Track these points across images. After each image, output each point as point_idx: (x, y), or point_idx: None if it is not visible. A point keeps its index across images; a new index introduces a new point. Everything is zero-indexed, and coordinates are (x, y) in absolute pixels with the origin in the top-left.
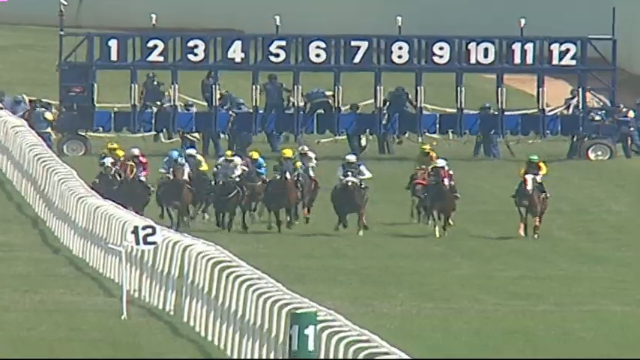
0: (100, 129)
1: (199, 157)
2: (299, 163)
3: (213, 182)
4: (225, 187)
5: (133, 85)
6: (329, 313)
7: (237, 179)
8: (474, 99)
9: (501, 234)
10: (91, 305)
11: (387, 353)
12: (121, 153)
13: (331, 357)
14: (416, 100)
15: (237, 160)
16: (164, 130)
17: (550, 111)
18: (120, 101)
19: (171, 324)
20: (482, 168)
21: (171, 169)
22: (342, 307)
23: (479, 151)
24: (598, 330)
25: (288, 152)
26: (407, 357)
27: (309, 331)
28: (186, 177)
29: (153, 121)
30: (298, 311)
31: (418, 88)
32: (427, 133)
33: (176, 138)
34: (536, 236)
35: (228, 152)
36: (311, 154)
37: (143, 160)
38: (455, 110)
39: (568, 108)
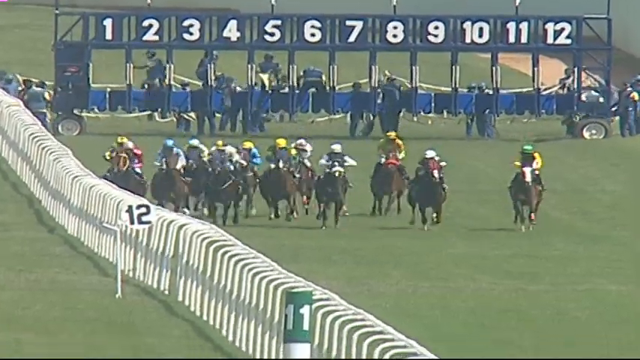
0: (95, 108)
1: (202, 147)
2: (294, 151)
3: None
4: (219, 178)
5: (128, 65)
6: (324, 292)
7: (232, 169)
8: (469, 78)
9: (496, 213)
10: (85, 284)
11: (382, 332)
12: (130, 145)
13: (326, 336)
14: (411, 80)
15: (229, 149)
16: (158, 109)
17: (545, 90)
18: (115, 81)
19: (166, 303)
20: (477, 148)
21: (164, 159)
22: (338, 286)
23: (471, 131)
24: (593, 309)
25: (281, 142)
26: (402, 336)
27: (305, 310)
28: (179, 167)
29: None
30: (293, 291)
31: (413, 67)
32: (422, 113)
33: (171, 118)
34: (531, 228)
35: (220, 142)
36: (308, 148)
37: (138, 152)
38: (450, 89)
39: (563, 88)
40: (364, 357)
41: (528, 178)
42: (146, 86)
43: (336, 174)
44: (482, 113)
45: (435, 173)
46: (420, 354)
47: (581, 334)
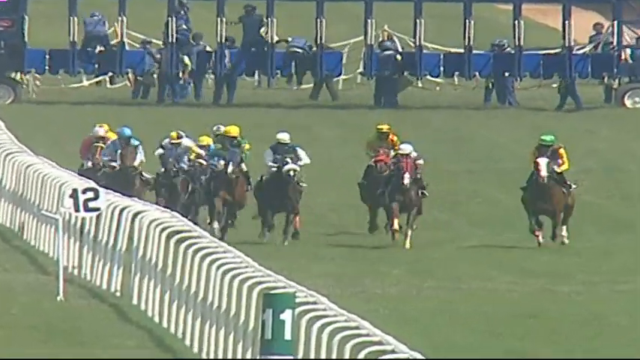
0: (33, 71)
1: (189, 142)
2: (248, 146)
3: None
4: (170, 176)
5: (71, 18)
6: (310, 294)
7: (186, 167)
8: (486, 35)
9: (518, 198)
10: (20, 284)
11: (380, 342)
12: (112, 136)
13: (312, 346)
14: (415, 37)
15: (186, 142)
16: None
17: (578, 49)
18: (56, 39)
19: (118, 307)
20: (496, 118)
21: (119, 153)
22: (326, 286)
23: (490, 98)
24: (635, 313)
25: (232, 130)
26: (404, 346)
27: (286, 315)
28: (137, 162)
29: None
30: (272, 292)
31: (418, 21)
32: (429, 76)
33: (124, 82)
34: (562, 241)
35: (174, 134)
36: (301, 152)
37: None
38: (462, 49)
39: (597, 47)
40: None
41: (543, 171)
42: (94, 45)
43: (290, 173)
44: (502, 77)
45: (406, 177)
46: None
47: (621, 344)
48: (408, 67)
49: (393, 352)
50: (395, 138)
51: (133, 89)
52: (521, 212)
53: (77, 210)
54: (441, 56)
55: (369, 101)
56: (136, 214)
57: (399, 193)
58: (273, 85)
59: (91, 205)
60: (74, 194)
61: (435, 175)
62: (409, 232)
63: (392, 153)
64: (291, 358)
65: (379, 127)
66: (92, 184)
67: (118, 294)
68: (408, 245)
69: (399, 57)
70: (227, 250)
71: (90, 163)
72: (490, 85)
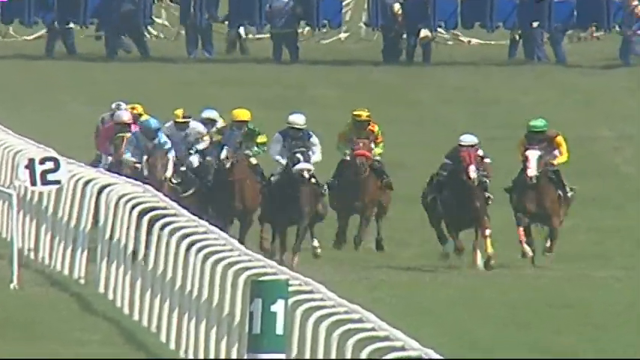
0: None
1: (219, 121)
2: (263, 138)
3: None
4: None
5: None
6: (305, 281)
7: (194, 165)
8: None
9: None
10: None
11: (387, 338)
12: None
13: (308, 342)
14: None
15: (195, 124)
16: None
17: None
18: None
19: (81, 297)
20: (522, 76)
21: (145, 159)
22: (324, 273)
23: (516, 53)
24: None
25: (241, 114)
26: (415, 342)
27: (278, 307)
28: (169, 171)
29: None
30: (262, 279)
31: None
32: (443, 28)
33: (86, 34)
34: (548, 258)
35: (179, 111)
36: (315, 144)
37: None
38: None
39: None
40: None
41: (533, 168)
42: None
43: (304, 173)
44: (530, 28)
45: (472, 170)
46: None
47: None
48: (420, 18)
49: (402, 348)
50: (376, 128)
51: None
52: None
53: (34, 183)
54: (458, 3)
55: (374, 57)
56: (102, 189)
57: (463, 198)
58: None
59: (50, 177)
60: (30, 165)
61: (451, 143)
62: (478, 252)
63: (374, 148)
64: (283, 354)
65: (356, 113)
66: (53, 154)
67: (81, 281)
68: (480, 264)
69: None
70: (209, 231)
71: (111, 159)
72: (516, 37)
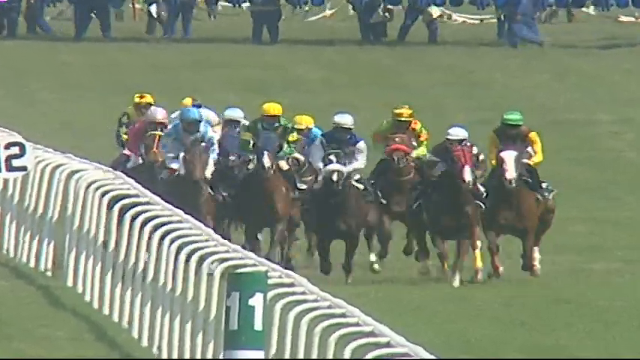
0: None
1: (243, 120)
2: (295, 136)
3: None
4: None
5: None
6: (285, 274)
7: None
8: None
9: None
10: None
11: (372, 334)
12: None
13: (288, 338)
14: None
15: (207, 112)
16: None
17: None
18: None
19: (48, 290)
20: (514, 58)
21: (182, 157)
22: (305, 265)
23: (505, 33)
24: None
25: (272, 108)
26: (402, 338)
27: (256, 301)
28: (210, 171)
29: None
30: (239, 271)
31: None
32: (433, 5)
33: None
34: (534, 271)
35: (187, 100)
36: (360, 150)
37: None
38: None
39: None
40: None
41: (511, 170)
42: None
43: (334, 177)
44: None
45: (467, 172)
46: None
47: None
48: None
49: (388, 345)
50: (418, 126)
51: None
52: (547, 170)
53: None
54: None
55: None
56: (70, 175)
57: (451, 203)
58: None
59: (16, 163)
60: None
61: (439, 126)
62: (457, 272)
63: (416, 146)
64: (262, 358)
65: (397, 111)
66: (18, 138)
67: (48, 274)
68: (456, 283)
69: None
70: (184, 220)
71: (140, 160)
72: (504, 16)
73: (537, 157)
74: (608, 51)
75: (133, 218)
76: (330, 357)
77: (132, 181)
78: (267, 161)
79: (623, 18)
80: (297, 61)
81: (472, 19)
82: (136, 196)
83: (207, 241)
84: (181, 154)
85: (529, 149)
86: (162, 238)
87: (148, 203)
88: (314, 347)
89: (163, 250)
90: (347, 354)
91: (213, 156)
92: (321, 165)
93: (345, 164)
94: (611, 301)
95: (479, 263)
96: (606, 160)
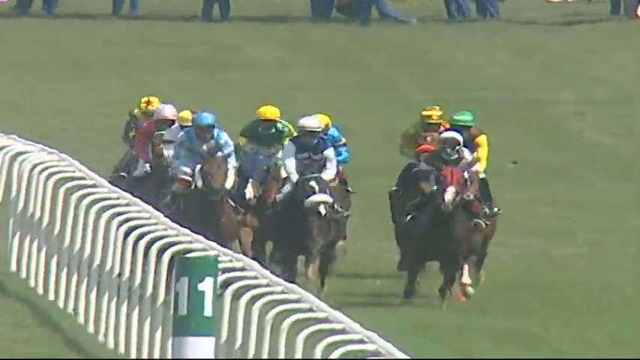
0: None
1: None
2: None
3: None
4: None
5: None
6: (236, 258)
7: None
8: None
9: (506, 137)
10: None
11: (327, 319)
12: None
13: (240, 324)
14: None
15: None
16: None
17: None
18: None
19: None
20: (473, 35)
21: (199, 168)
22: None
23: (453, 10)
24: None
25: (269, 112)
26: (357, 325)
27: (206, 285)
28: (230, 183)
29: None
30: (188, 255)
31: None
32: None
33: None
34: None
35: (185, 114)
36: (329, 158)
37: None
38: None
39: None
40: (299, 357)
41: (449, 194)
42: None
43: (320, 208)
44: None
45: (449, 192)
46: (385, 352)
47: (634, 320)
48: None
49: (343, 331)
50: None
51: None
52: (504, 153)
53: None
54: None
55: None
56: (14, 156)
57: (440, 225)
58: None
59: None
60: None
61: (397, 107)
62: (445, 300)
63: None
64: (212, 337)
65: (426, 113)
66: None
67: None
68: (444, 307)
69: None
70: (132, 203)
71: (148, 166)
72: None
73: (482, 165)
74: (572, 27)
75: (79, 200)
76: (283, 344)
77: (77, 162)
78: (248, 193)
79: None
80: (249, 39)
81: None
82: (83, 178)
83: (155, 224)
84: (198, 166)
85: (468, 155)
86: (109, 221)
87: (95, 186)
88: (266, 334)
89: (110, 233)
90: (300, 340)
91: (233, 164)
92: (293, 173)
93: (324, 190)
94: (576, 285)
95: (465, 279)
96: (569, 140)
